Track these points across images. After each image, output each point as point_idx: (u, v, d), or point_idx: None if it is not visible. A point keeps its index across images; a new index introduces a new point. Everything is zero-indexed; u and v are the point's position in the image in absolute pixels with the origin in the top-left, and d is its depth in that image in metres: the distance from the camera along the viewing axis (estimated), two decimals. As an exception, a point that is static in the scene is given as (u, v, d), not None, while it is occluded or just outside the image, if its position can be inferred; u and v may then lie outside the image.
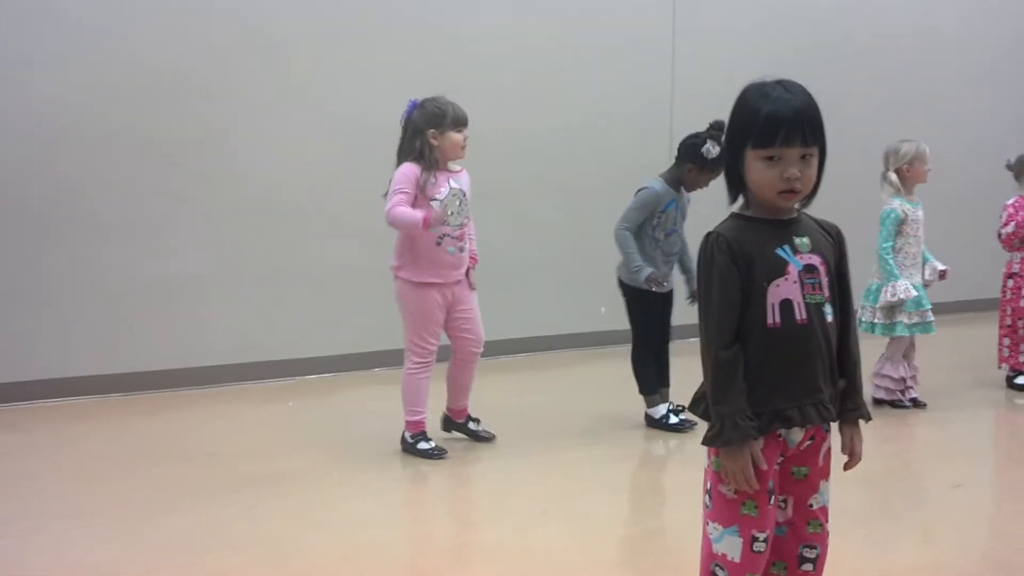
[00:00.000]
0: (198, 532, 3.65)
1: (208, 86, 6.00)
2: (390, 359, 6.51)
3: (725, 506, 2.25)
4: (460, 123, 4.51)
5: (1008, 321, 6.16)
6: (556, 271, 7.26)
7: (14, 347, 5.60)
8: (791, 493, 2.32)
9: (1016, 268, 6.12)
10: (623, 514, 3.99)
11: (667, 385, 5.16)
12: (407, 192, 4.43)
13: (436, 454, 4.57)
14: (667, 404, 5.13)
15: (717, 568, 2.28)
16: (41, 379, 5.65)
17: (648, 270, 4.90)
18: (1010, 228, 6.03)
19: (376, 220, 6.38)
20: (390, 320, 6.43)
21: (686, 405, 5.19)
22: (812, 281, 2.22)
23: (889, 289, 5.44)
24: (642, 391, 5.14)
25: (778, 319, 2.19)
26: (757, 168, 2.20)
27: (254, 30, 6.14)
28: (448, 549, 3.60)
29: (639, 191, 5.03)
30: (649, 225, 4.99)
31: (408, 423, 4.63)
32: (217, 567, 3.33)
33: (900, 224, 5.47)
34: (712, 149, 4.88)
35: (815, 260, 2.24)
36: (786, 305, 2.19)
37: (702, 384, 2.27)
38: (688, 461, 4.71)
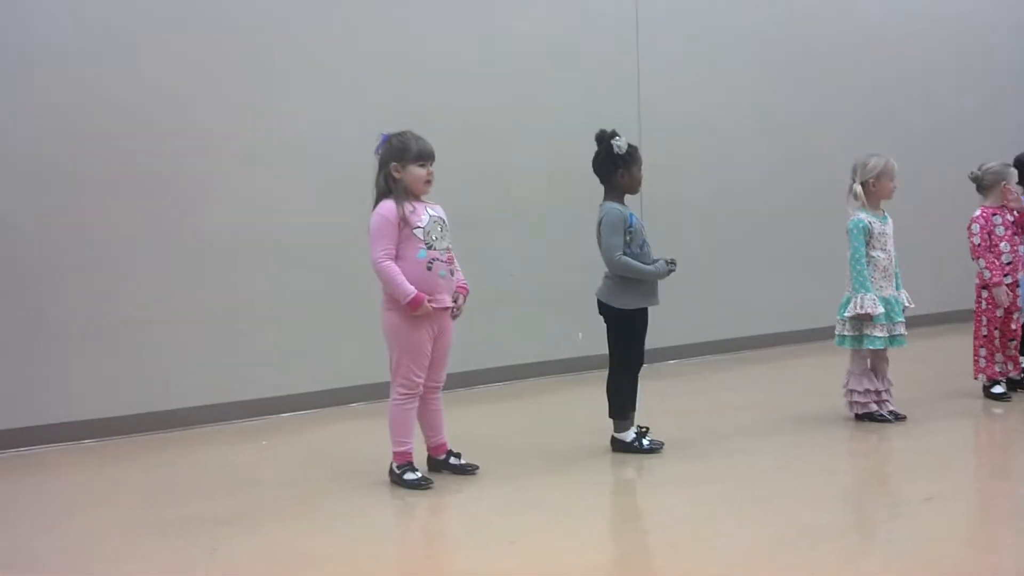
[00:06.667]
0: (160, 576, 3.58)
1: (164, 124, 5.95)
2: (368, 393, 6.48)
3: None
4: (423, 157, 4.54)
5: (984, 331, 6.14)
6: (527, 299, 7.25)
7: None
8: None
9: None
10: (593, 541, 3.94)
11: (634, 409, 5.12)
12: (390, 246, 4.46)
13: (423, 484, 4.56)
14: (635, 427, 5.10)
15: None
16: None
17: (662, 260, 4.98)
18: (1005, 248, 6.06)
19: (342, 255, 6.41)
20: (364, 354, 6.41)
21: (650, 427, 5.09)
22: None
23: (857, 301, 5.43)
24: (613, 414, 5.10)
25: None
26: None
27: (212, 67, 6.12)
28: (414, 583, 3.56)
29: (601, 220, 5.02)
30: (624, 244, 4.99)
31: (395, 454, 4.63)
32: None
33: (867, 236, 5.48)
34: (622, 144, 4.98)
35: None
36: None
37: None
38: (659, 483, 4.67)
